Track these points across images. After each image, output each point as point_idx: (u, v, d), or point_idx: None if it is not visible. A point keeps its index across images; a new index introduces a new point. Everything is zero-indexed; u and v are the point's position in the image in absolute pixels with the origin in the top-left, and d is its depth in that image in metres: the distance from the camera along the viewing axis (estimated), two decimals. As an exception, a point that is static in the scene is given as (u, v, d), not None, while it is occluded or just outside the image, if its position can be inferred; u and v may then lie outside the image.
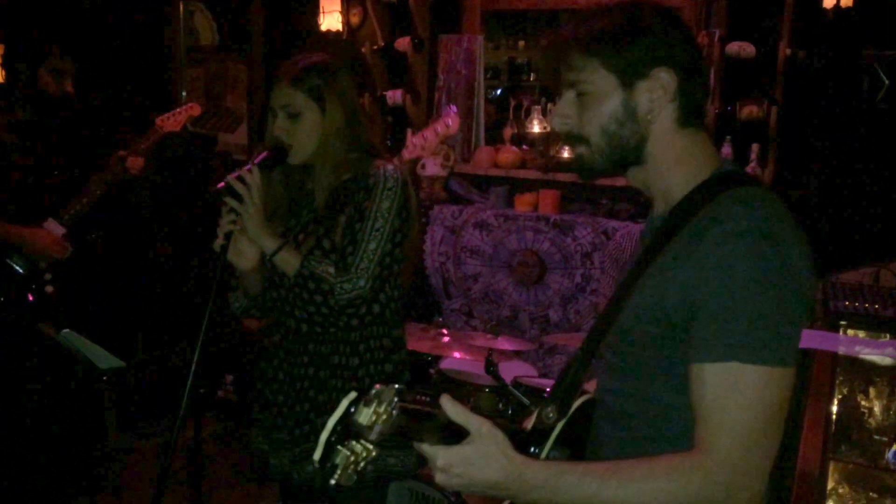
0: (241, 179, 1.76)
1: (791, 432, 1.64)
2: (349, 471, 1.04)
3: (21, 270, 2.86)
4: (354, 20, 4.38)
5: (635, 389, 1.21)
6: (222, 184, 1.75)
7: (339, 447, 1.03)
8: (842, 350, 2.40)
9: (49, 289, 2.89)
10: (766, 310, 1.06)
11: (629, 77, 1.18)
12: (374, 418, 1.02)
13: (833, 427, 2.09)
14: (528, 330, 3.94)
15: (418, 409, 1.07)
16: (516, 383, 2.82)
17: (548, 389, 2.72)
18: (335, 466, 1.03)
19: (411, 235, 1.94)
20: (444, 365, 3.25)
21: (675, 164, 1.21)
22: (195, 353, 1.57)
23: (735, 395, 1.06)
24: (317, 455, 1.04)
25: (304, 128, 1.86)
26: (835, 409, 2.17)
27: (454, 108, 3.00)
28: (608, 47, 1.18)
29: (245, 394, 3.92)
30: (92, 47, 4.17)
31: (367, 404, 1.03)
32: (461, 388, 3.01)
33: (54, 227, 2.90)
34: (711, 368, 1.07)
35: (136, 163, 2.97)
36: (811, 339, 2.42)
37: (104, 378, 2.32)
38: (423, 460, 1.11)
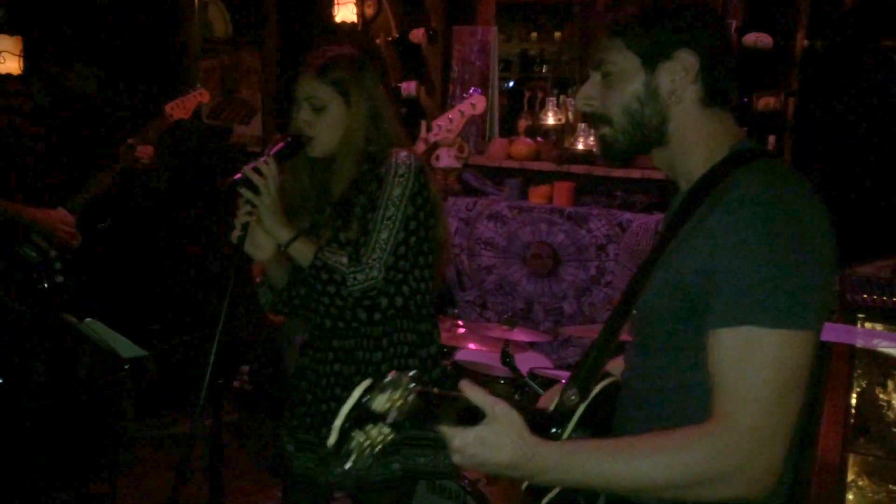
0: (257, 170, 1.75)
1: (809, 424, 1.64)
2: (365, 455, 1.04)
3: (32, 259, 2.89)
4: (369, 11, 4.38)
5: (659, 368, 1.21)
6: (239, 175, 1.75)
7: (353, 433, 1.04)
8: (859, 343, 2.38)
9: (59, 278, 2.91)
10: (781, 273, 1.05)
11: (652, 58, 1.19)
12: (388, 405, 1.03)
13: (852, 420, 2.08)
14: (543, 322, 3.94)
15: (435, 394, 1.08)
16: (532, 375, 2.83)
17: (563, 381, 2.73)
18: (350, 452, 1.04)
19: (438, 227, 1.91)
20: (459, 356, 3.26)
21: (696, 144, 1.22)
22: (214, 342, 1.57)
23: (751, 360, 1.05)
24: (331, 441, 1.04)
25: (328, 120, 1.85)
26: (853, 401, 2.16)
27: (478, 90, 2.99)
28: (632, 28, 1.20)
29: (260, 385, 3.94)
30: (107, 40, 4.19)
31: (382, 391, 1.03)
32: (476, 380, 3.01)
33: (65, 214, 2.93)
34: (727, 334, 1.07)
35: (145, 151, 2.98)
36: (828, 332, 2.40)
37: (126, 367, 2.35)
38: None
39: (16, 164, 2.99)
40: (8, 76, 4.13)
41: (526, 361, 3.21)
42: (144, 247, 4.28)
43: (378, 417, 1.03)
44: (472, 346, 3.09)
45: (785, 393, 1.06)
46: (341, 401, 1.89)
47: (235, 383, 3.99)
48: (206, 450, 2.41)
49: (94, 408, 3.25)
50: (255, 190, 1.74)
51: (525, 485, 1.21)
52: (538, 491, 1.21)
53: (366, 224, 1.84)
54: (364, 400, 1.04)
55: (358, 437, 1.03)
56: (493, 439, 1.08)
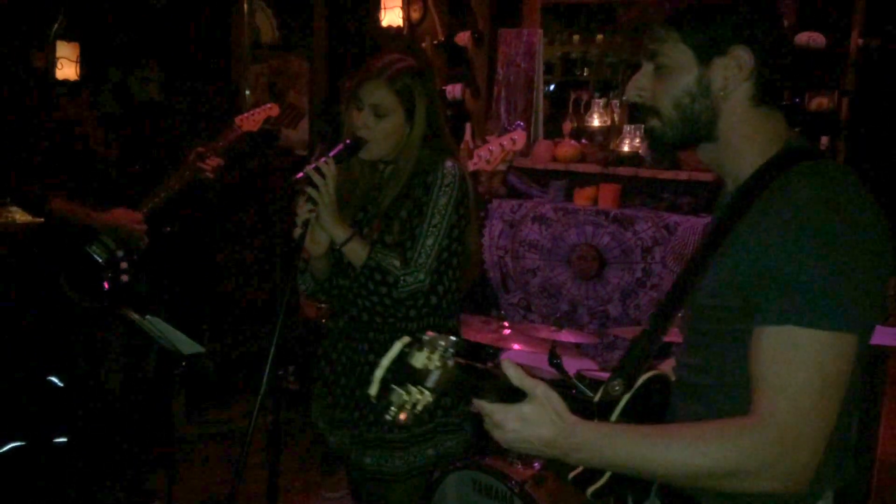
0: (318, 170, 1.82)
1: (869, 424, 1.61)
2: (406, 409, 1.07)
3: (100, 258, 2.98)
4: (415, 15, 4.41)
5: (713, 364, 1.21)
6: (301, 174, 1.81)
7: (394, 386, 1.06)
8: (916, 347, 2.33)
9: (125, 277, 3.00)
10: (827, 275, 1.05)
11: (706, 53, 1.19)
12: (427, 363, 1.05)
13: (910, 424, 2.04)
14: (588, 324, 3.92)
15: (478, 367, 1.10)
16: (580, 376, 2.82)
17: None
18: (389, 403, 1.06)
19: (469, 230, 1.98)
20: (504, 357, 3.26)
21: (746, 141, 1.21)
22: (274, 337, 1.62)
23: (792, 359, 1.06)
24: (373, 390, 1.07)
25: (387, 127, 1.91)
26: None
27: (522, 124, 3.03)
28: (689, 21, 1.19)
29: (307, 383, 3.99)
30: (162, 46, 4.29)
31: (420, 349, 1.06)
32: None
33: (135, 214, 3.02)
34: (769, 331, 1.08)
35: (213, 162, 3.05)
36: (884, 335, 2.36)
37: (184, 363, 2.41)
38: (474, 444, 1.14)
39: (88, 170, 3.09)
40: (65, 82, 4.26)
41: (571, 364, 3.20)
42: (198, 248, 4.37)
43: (416, 375, 1.06)
44: (516, 346, 3.09)
45: (823, 394, 1.06)
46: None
47: (282, 383, 4.05)
48: (258, 447, 2.45)
49: (153, 404, 3.34)
50: (316, 189, 1.82)
51: (571, 475, 1.23)
52: (584, 480, 1.22)
53: (410, 228, 1.92)
54: (405, 352, 1.07)
55: (398, 391, 1.06)
56: (534, 416, 1.11)
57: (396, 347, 1.08)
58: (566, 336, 3.02)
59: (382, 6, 4.36)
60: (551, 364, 2.63)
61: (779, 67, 1.20)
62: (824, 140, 3.37)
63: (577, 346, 3.35)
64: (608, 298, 3.88)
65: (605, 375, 3.26)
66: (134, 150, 3.19)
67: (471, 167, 2.84)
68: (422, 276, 1.89)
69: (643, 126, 1.28)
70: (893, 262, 1.11)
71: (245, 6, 5.04)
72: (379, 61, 1.93)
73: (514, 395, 1.13)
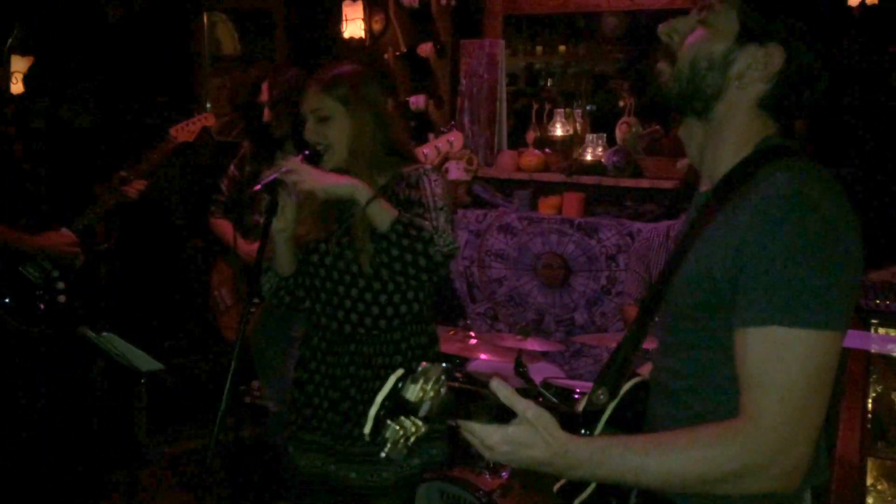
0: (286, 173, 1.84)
1: (828, 427, 1.63)
2: (399, 445, 1.07)
3: (34, 279, 2.92)
4: (377, 27, 4.41)
5: (690, 365, 1.21)
6: (259, 185, 1.81)
7: (388, 422, 1.06)
8: (874, 348, 2.38)
9: (62, 298, 2.94)
10: (808, 273, 1.05)
11: (748, 33, 1.17)
12: (421, 395, 1.05)
13: (869, 424, 2.07)
14: (554, 333, 3.93)
15: (467, 389, 1.11)
16: (546, 384, 2.82)
17: (577, 390, 2.73)
18: (385, 440, 1.06)
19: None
20: (471, 367, 3.26)
21: (732, 134, 1.20)
22: (234, 352, 1.59)
23: (778, 359, 1.06)
24: (367, 429, 1.07)
25: (334, 131, 1.91)
26: (870, 406, 2.15)
27: (454, 125, 3.07)
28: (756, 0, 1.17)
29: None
30: (118, 60, 4.24)
31: (415, 381, 1.06)
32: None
33: (68, 235, 2.97)
34: (754, 333, 1.08)
35: (136, 186, 3.03)
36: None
37: (142, 381, 2.36)
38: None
39: (16, 187, 3.04)
40: (22, 97, 4.18)
41: (538, 372, 3.20)
42: (159, 262, 4.30)
43: (410, 408, 1.05)
44: (484, 356, 3.09)
45: (811, 392, 1.06)
46: (356, 402, 1.94)
47: (247, 398, 3.99)
48: (221, 465, 2.42)
49: (110, 423, 3.27)
50: (279, 192, 1.83)
51: (557, 487, 1.23)
52: (569, 491, 1.21)
53: (419, 217, 1.90)
54: (399, 387, 1.06)
55: (393, 426, 1.06)
56: (525, 439, 1.10)
57: (391, 382, 1.08)
58: (532, 345, 3.03)
59: (344, 18, 4.35)
60: (517, 373, 2.64)
61: (798, 92, 1.18)
62: (799, 124, 3.36)
63: (544, 354, 3.35)
64: (574, 306, 3.90)
65: (572, 383, 3.28)
66: (65, 169, 3.15)
67: None
68: (450, 240, 1.86)
69: (653, 66, 1.24)
70: (863, 262, 1.11)
71: (205, 18, 5.00)
72: (316, 74, 1.96)
73: (504, 414, 1.11)
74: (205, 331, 4.33)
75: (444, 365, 1.07)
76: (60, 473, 3.16)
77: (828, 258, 1.07)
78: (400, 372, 1.08)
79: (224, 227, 3.28)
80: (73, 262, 2.99)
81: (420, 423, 1.06)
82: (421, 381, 1.05)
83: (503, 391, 1.11)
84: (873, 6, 3.26)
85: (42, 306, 2.92)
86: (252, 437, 3.83)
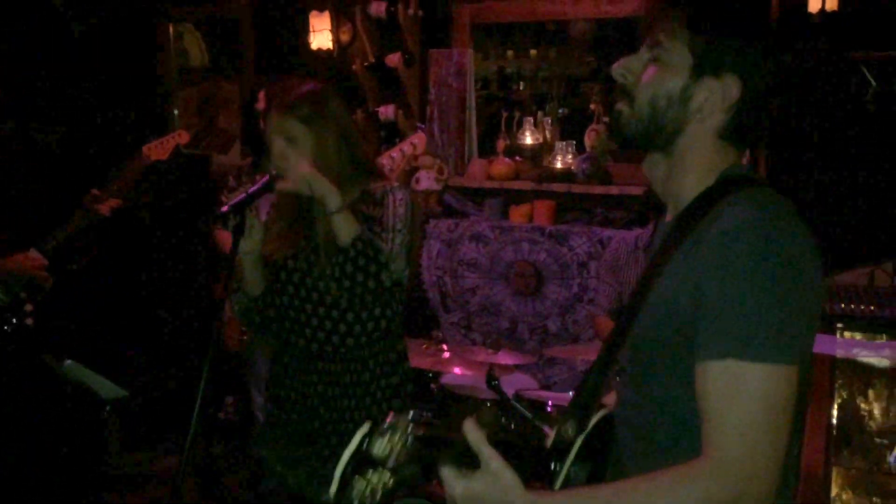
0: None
1: (795, 436, 1.64)
2: (366, 498, 1.04)
3: (1, 301, 2.87)
4: (344, 38, 4.39)
5: (654, 399, 1.20)
6: (225, 207, 1.80)
7: (354, 478, 1.04)
8: (839, 353, 2.40)
9: (29, 320, 2.89)
10: (766, 307, 1.05)
11: (702, 67, 1.17)
12: (388, 448, 1.04)
13: (834, 431, 2.10)
14: (528, 341, 3.94)
15: (434, 436, 1.09)
16: (518, 397, 2.83)
17: (549, 403, 2.74)
18: (351, 500, 1.04)
19: (413, 253, 2.01)
20: (445, 380, 3.26)
21: (694, 166, 1.20)
22: (204, 369, 1.59)
23: (736, 394, 1.05)
24: (332, 489, 1.05)
25: (300, 151, 1.91)
26: (835, 412, 2.18)
27: (422, 126, 3.06)
28: (705, 30, 1.17)
29: (247, 414, 3.92)
30: (83, 73, 4.18)
31: (381, 435, 1.04)
32: (463, 403, 3.01)
33: (35, 257, 2.92)
34: (713, 367, 1.07)
35: (110, 204, 2.99)
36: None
37: (107, 408, 2.33)
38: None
39: None
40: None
41: (512, 382, 3.21)
42: (130, 280, 4.25)
43: (378, 462, 1.04)
44: (457, 370, 3.09)
45: (772, 425, 1.06)
46: (324, 420, 1.94)
47: (221, 415, 3.96)
48: (193, 484, 2.39)
49: (77, 447, 3.22)
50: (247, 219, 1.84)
51: None
52: None
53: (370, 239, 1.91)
54: (364, 444, 1.04)
55: (359, 483, 1.04)
56: (486, 494, 1.07)
57: (356, 440, 1.06)
58: (504, 358, 3.03)
59: (311, 29, 4.33)
60: (489, 386, 2.64)
61: (757, 120, 1.19)
62: (745, 152, 3.46)
63: (516, 367, 3.36)
64: (547, 314, 3.91)
65: (544, 394, 3.27)
66: (35, 191, 3.10)
67: None
68: (401, 266, 1.91)
69: (612, 107, 1.24)
70: (823, 289, 1.12)
71: (171, 29, 4.96)
72: (278, 94, 1.95)
73: (471, 459, 1.09)
74: (203, 341, 4.28)
75: (410, 414, 1.05)
76: (30, 496, 3.11)
77: (786, 292, 1.07)
78: (365, 428, 1.06)
79: (225, 238, 3.27)
80: (41, 285, 2.94)
81: (388, 474, 1.04)
82: (388, 434, 1.04)
83: (472, 434, 1.09)
84: (833, 13, 3.31)
85: (7, 329, 2.87)
86: (224, 454, 3.81)
